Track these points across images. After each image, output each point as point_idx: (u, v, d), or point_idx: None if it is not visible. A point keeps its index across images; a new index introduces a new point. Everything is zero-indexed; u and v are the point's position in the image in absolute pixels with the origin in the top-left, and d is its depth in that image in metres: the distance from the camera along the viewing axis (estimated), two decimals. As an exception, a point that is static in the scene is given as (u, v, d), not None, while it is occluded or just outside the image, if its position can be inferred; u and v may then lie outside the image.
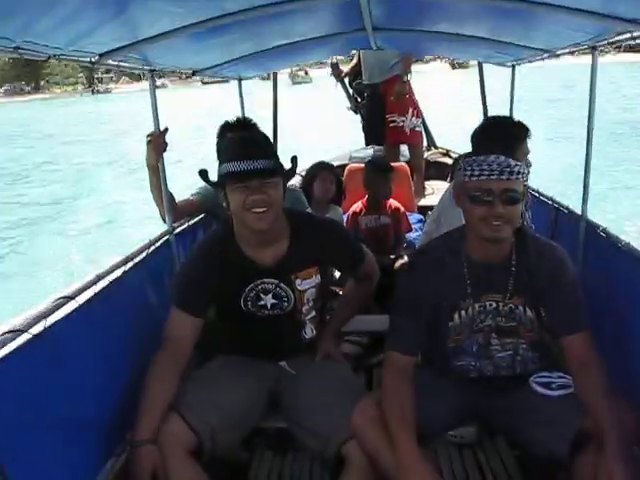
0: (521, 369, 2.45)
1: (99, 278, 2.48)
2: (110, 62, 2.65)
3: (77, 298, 2.27)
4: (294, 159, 2.62)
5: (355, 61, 7.10)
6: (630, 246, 2.61)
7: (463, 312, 2.39)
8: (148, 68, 3.13)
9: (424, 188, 6.42)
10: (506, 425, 2.49)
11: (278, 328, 2.65)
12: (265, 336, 2.66)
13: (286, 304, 2.61)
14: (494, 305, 2.37)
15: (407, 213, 4.83)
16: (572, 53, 3.40)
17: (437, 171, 6.81)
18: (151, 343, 2.54)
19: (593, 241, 3.13)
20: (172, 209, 3.46)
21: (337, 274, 4.04)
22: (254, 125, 3.77)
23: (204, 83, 62.18)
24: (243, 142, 2.47)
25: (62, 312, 2.17)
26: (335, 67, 7.30)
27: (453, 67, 65.48)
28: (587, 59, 3.13)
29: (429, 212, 5.26)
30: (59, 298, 2.20)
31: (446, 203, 3.37)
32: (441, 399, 2.46)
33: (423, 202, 5.98)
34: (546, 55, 3.76)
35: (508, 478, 2.90)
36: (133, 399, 2.39)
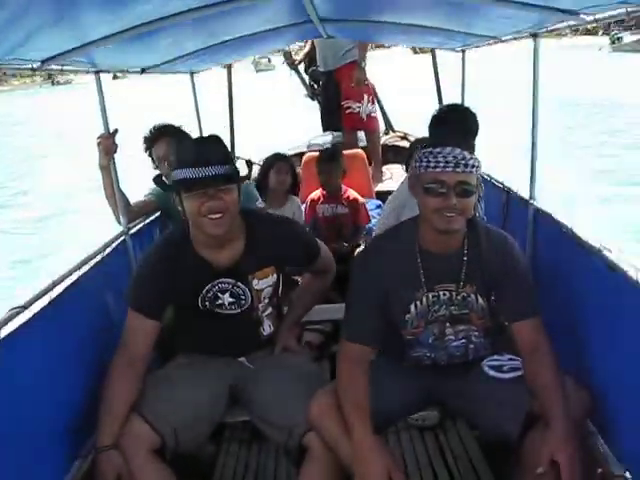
0: (474, 356, 2.51)
1: (54, 284, 2.46)
2: (53, 67, 2.59)
3: (31, 307, 2.25)
4: (249, 163, 2.63)
5: (308, 48, 7.08)
6: (573, 232, 2.66)
7: (418, 303, 2.41)
8: (94, 70, 3.08)
9: (381, 173, 6.45)
10: (462, 408, 2.56)
11: (236, 326, 2.67)
12: (223, 334, 2.67)
13: (243, 301, 2.63)
14: (447, 295, 2.41)
15: (365, 199, 4.86)
16: (516, 39, 3.45)
17: (395, 155, 6.82)
18: (110, 346, 2.54)
19: (541, 226, 3.19)
20: (126, 210, 3.45)
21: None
22: (181, 131, 3.85)
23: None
24: (197, 147, 2.45)
25: (16, 322, 2.14)
26: (288, 56, 7.27)
27: (415, 52, 65.70)
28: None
29: (388, 197, 5.32)
30: (12, 309, 2.18)
31: (407, 194, 3.41)
32: (397, 386, 2.50)
33: (381, 187, 6.01)
34: (492, 41, 3.81)
35: (468, 458, 3.00)
36: (96, 401, 2.40)
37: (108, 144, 3.29)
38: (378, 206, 5.23)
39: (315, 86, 7.20)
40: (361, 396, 2.28)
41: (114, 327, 2.75)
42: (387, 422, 2.48)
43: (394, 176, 6.19)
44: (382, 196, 5.51)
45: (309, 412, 2.34)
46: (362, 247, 4.39)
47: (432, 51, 6.20)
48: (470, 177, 2.22)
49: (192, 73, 4.96)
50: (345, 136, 6.54)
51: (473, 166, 2.21)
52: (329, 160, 4.55)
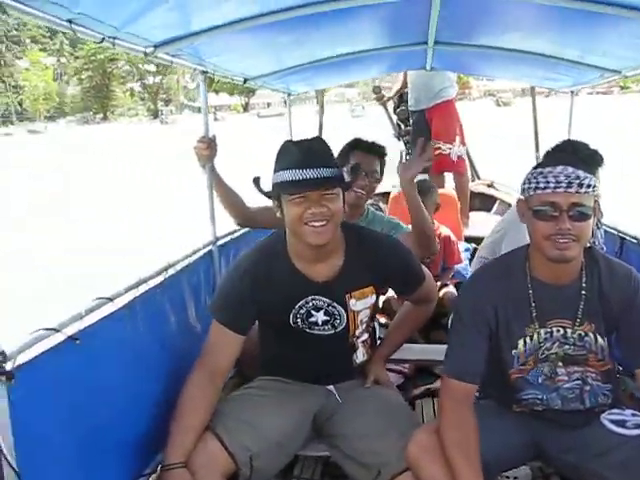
0: (591, 402, 2.22)
1: (140, 282, 2.34)
2: (164, 56, 2.56)
3: (116, 300, 2.13)
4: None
5: (399, 86, 6.92)
6: None
7: (528, 339, 2.17)
8: (201, 69, 3.04)
9: (468, 218, 6.21)
10: (574, 465, 2.24)
11: (328, 349, 2.44)
12: (313, 357, 2.46)
13: (338, 322, 2.40)
14: (562, 331, 2.15)
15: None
16: None
17: (481, 202, 6.63)
18: (186, 356, 2.41)
19: None
20: (237, 206, 3.21)
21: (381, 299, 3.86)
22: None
23: (260, 117, 69.05)
24: (301, 148, 2.24)
25: (99, 314, 2.04)
26: (377, 90, 7.13)
27: (498, 105, 67.78)
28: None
29: (473, 244, 5.10)
30: (98, 298, 2.06)
31: (511, 219, 3.16)
32: (502, 435, 2.22)
33: (467, 232, 5.78)
34: (614, 77, 3.56)
35: None
36: (166, 416, 2.23)
37: (201, 149, 3.11)
38: (467, 249, 5.00)
39: (402, 126, 7.02)
40: (470, 439, 2.04)
41: (191, 336, 2.64)
42: (486, 474, 2.17)
43: (480, 223, 5.94)
44: (469, 241, 5.31)
45: (408, 451, 2.10)
46: (450, 288, 4.17)
47: (532, 92, 5.98)
48: (585, 198, 1.96)
49: (289, 94, 4.88)
50: (432, 178, 6.32)
51: (589, 186, 1.96)
52: (424, 193, 4.31)
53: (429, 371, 3.59)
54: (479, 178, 7.36)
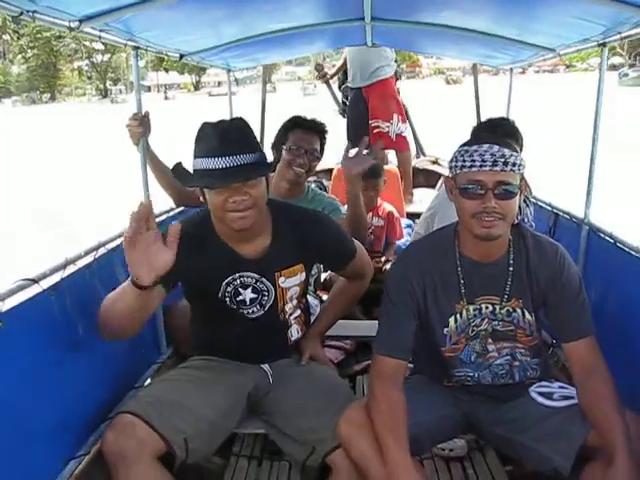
0: (520, 376, 2.27)
1: (67, 263, 2.27)
2: (91, 30, 2.45)
3: (41, 282, 2.07)
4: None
5: (341, 62, 6.88)
6: (637, 248, 2.45)
7: (458, 316, 2.20)
8: (132, 44, 2.93)
9: (412, 194, 6.26)
10: (503, 438, 2.29)
11: (260, 327, 2.42)
12: (246, 336, 2.43)
13: (266, 299, 2.38)
14: (490, 308, 2.19)
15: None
16: (579, 51, 3.25)
17: (426, 179, 6.69)
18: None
19: (596, 247, 2.98)
20: (171, 184, 3.22)
21: (323, 276, 3.86)
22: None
23: (211, 95, 69.43)
24: (221, 133, 2.13)
25: (23, 296, 1.97)
26: (320, 68, 7.05)
27: (447, 83, 68.78)
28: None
29: (416, 220, 5.15)
30: (21, 280, 2.00)
31: (442, 198, 3.20)
32: (434, 409, 2.28)
33: (411, 208, 5.82)
34: (549, 55, 3.61)
35: None
36: (99, 397, 2.20)
37: (132, 127, 3.04)
38: (408, 225, 5.05)
39: (347, 103, 6.99)
40: (397, 414, 2.05)
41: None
42: (417, 448, 2.21)
43: (424, 199, 6.00)
44: (412, 217, 5.35)
45: (339, 428, 2.13)
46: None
47: (474, 69, 6.02)
48: (511, 176, 1.99)
49: (229, 70, 4.80)
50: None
51: (514, 164, 1.99)
52: (376, 176, 4.29)
53: (370, 347, 3.62)
54: (424, 155, 7.41)
